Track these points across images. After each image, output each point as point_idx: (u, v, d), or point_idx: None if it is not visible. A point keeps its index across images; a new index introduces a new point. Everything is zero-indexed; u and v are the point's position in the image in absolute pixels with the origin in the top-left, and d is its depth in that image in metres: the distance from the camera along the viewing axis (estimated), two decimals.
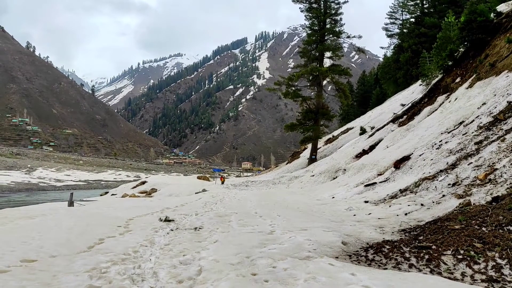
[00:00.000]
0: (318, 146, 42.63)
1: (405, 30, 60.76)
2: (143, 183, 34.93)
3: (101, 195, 35.32)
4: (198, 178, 45.19)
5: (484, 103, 15.17)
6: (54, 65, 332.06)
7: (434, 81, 29.00)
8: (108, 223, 8.86)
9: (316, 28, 41.66)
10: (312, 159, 38.41)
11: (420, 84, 35.29)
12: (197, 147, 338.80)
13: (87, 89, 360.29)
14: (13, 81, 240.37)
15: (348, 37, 41.62)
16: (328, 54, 41.49)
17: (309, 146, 43.52)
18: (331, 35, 41.32)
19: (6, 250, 5.55)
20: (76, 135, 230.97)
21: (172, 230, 8.40)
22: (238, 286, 4.30)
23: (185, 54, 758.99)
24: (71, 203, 16.62)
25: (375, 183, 15.29)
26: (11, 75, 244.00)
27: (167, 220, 9.69)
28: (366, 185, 15.68)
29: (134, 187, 34.00)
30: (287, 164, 53.10)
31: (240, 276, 4.69)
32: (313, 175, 27.11)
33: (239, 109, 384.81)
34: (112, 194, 32.62)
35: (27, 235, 6.93)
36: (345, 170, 22.57)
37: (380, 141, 24.44)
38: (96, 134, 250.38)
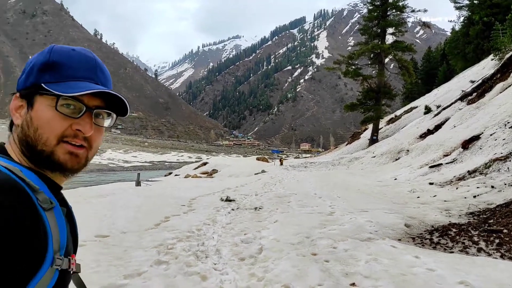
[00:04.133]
0: (380, 126, 41.37)
1: (475, 1, 56.48)
2: (204, 164, 35.92)
3: (165, 175, 36.82)
4: (257, 159, 45.64)
5: None
6: (119, 51, 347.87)
7: (507, 55, 26.83)
8: (173, 202, 9.27)
9: (378, 3, 39.92)
10: (373, 140, 37.38)
11: (492, 59, 32.83)
12: (256, 128, 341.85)
13: (150, 74, 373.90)
14: None
15: (413, 11, 39.50)
16: (390, 30, 39.76)
17: (370, 126, 42.37)
18: (393, 10, 39.43)
19: (82, 226, 5.99)
20: (141, 118, 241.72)
21: (233, 209, 8.62)
22: (299, 265, 4.36)
23: (243, 36, 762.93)
24: (138, 183, 17.54)
25: (441, 164, 14.63)
26: None
27: (228, 200, 9.95)
28: (431, 167, 15.05)
29: (196, 168, 35.07)
30: (346, 145, 52.20)
31: (301, 256, 4.74)
32: (374, 156, 26.44)
33: (298, 90, 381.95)
34: (176, 175, 33.91)
35: (100, 212, 7.45)
36: (408, 151, 21.77)
37: (446, 120, 23.24)
38: (159, 117, 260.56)
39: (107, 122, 0.92)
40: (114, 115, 0.93)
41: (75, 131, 0.83)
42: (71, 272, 0.83)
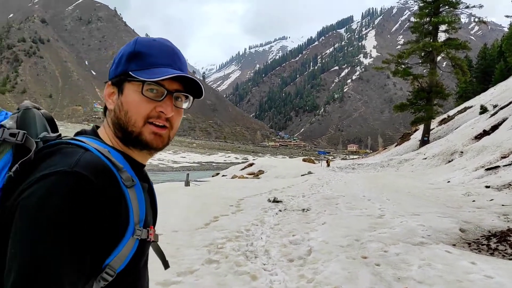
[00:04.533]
0: (431, 127, 39.89)
1: None
2: (251, 165, 36.16)
3: (212, 176, 37.44)
4: (303, 160, 45.37)
5: None
6: None
7: None
8: (221, 202, 9.43)
9: (430, 0, 38.58)
10: (424, 141, 36.11)
11: None
12: (302, 129, 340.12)
13: (198, 76, 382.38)
14: None
15: (467, 7, 37.80)
16: (443, 27, 38.21)
17: (421, 127, 40.98)
18: (446, 6, 37.87)
19: None
20: (189, 120, 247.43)
21: (280, 210, 8.65)
22: (349, 268, 4.32)
23: (289, 37, 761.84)
24: (187, 183, 17.97)
25: (498, 166, 13.92)
26: None
27: (275, 201, 9.99)
28: (487, 169, 14.35)
29: (243, 168, 35.39)
30: (396, 146, 50.82)
31: (350, 258, 4.70)
32: (425, 158, 25.59)
33: (345, 90, 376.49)
34: (223, 175, 34.39)
35: None
36: (462, 152, 20.89)
37: (504, 120, 22.09)
38: (207, 119, 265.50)
39: (185, 105, 1.04)
40: (191, 98, 1.04)
41: (158, 113, 0.94)
42: (150, 241, 0.96)
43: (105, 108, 1.01)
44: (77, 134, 0.99)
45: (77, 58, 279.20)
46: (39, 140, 0.90)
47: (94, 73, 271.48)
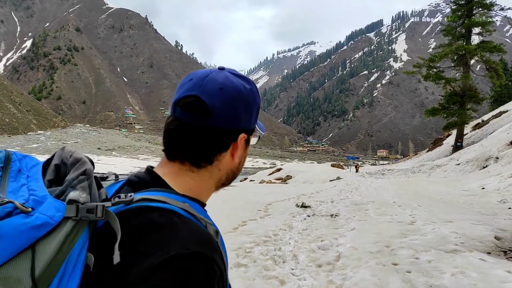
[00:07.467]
0: (465, 132, 38.83)
1: None
2: (279, 170, 36.17)
3: (240, 181, 37.58)
4: (332, 166, 45.01)
5: None
6: (198, 60, 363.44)
7: None
8: (249, 207, 9.47)
9: (462, 2, 37.63)
10: (457, 146, 35.19)
11: None
12: (330, 134, 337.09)
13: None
14: (165, 77, 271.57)
15: (502, 9, 36.69)
16: (476, 30, 37.21)
17: (454, 132, 39.92)
18: (480, 9, 36.90)
19: None
20: None
21: (308, 216, 8.60)
22: (379, 275, 4.25)
23: (318, 42, 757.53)
24: None
25: None
26: (163, 72, 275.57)
27: (303, 206, 9.94)
28: None
29: (271, 173, 35.44)
30: (427, 151, 49.74)
31: (380, 265, 4.63)
32: (458, 164, 24.92)
33: (374, 94, 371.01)
34: (251, 180, 34.53)
35: None
36: (497, 158, 20.23)
37: None
38: None
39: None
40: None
41: None
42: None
43: (203, 156, 0.84)
44: (133, 184, 0.81)
45: (110, 65, 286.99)
46: (110, 205, 0.70)
47: (126, 80, 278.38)
